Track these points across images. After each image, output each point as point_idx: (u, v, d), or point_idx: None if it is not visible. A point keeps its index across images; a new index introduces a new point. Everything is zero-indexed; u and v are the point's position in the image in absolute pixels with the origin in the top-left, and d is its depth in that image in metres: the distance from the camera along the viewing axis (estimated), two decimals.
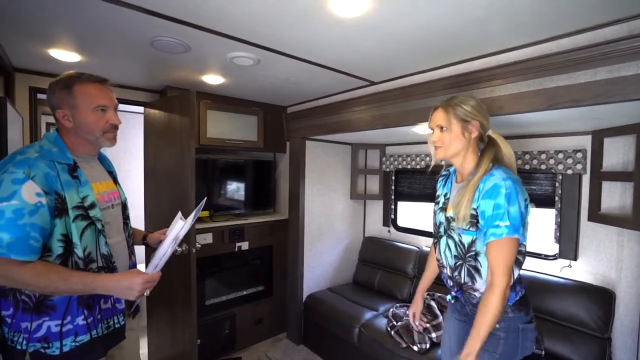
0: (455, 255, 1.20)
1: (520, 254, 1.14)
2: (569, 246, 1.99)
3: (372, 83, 2.18)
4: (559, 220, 2.03)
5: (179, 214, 1.33)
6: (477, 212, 1.11)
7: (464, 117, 1.20)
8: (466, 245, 1.17)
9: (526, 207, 1.09)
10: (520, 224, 1.06)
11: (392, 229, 3.12)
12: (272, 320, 3.00)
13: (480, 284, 1.16)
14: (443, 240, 1.27)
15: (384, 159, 3.10)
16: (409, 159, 2.87)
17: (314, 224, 2.97)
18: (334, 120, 2.51)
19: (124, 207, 1.32)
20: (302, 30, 1.40)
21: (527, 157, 2.12)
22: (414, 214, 3.26)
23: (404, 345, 1.99)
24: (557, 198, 2.05)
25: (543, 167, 2.05)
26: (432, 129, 1.29)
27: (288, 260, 2.99)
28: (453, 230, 1.20)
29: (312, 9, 1.21)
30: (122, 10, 1.25)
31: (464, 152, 1.22)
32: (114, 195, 1.26)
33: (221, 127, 2.57)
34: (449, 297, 1.35)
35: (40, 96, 2.18)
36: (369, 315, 2.42)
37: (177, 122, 2.04)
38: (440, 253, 1.30)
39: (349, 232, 3.29)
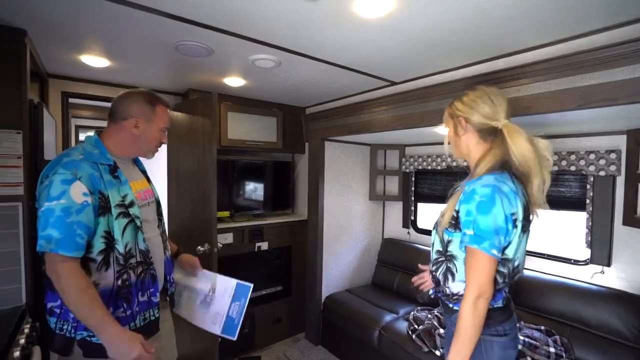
0: (438, 251, 1.14)
1: (498, 273, 1.01)
2: (601, 251, 1.90)
3: (393, 83, 2.15)
4: (590, 224, 1.94)
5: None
6: (457, 216, 1.05)
7: (454, 114, 1.13)
8: (446, 243, 1.10)
9: (508, 221, 0.97)
10: (490, 238, 0.95)
11: (411, 230, 3.07)
12: (291, 320, 3.02)
13: (452, 286, 1.09)
14: (433, 234, 1.21)
15: (403, 159, 3.06)
16: (429, 159, 2.82)
17: (332, 224, 2.96)
18: (353, 121, 2.50)
19: (158, 204, 1.39)
20: (325, 32, 1.40)
21: (555, 157, 2.04)
22: (435, 216, 3.20)
23: (426, 349, 1.96)
24: (588, 201, 1.96)
25: (573, 168, 1.96)
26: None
27: (307, 261, 3.00)
28: (439, 225, 1.14)
29: (336, 11, 1.22)
30: (150, 17, 1.29)
31: (466, 151, 1.14)
32: (148, 193, 1.34)
33: (241, 128, 2.60)
34: (430, 290, 1.29)
35: (72, 100, 2.28)
36: (388, 317, 2.39)
37: (199, 124, 2.09)
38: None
39: (368, 233, 3.26)
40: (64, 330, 1.10)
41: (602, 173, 1.85)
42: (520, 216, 1.00)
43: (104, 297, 1.10)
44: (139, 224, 1.19)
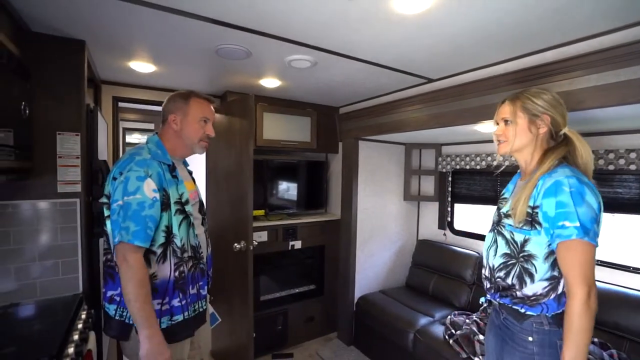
0: (505, 254, 1.10)
1: None
2: None
3: (430, 80, 2.09)
4: None
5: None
6: (534, 212, 1.02)
7: (532, 110, 1.10)
8: (519, 244, 1.06)
9: (599, 210, 0.96)
10: (593, 228, 0.93)
11: (448, 232, 2.97)
12: (323, 319, 3.03)
13: (527, 290, 1.05)
14: (489, 237, 1.18)
15: (439, 159, 2.96)
16: (467, 158, 2.71)
17: (366, 225, 2.93)
18: (387, 120, 2.46)
19: (202, 204, 1.48)
20: (362, 31, 1.39)
21: (612, 156, 1.87)
22: (473, 217, 3.07)
23: (464, 355, 1.88)
24: None
25: (632, 167, 1.80)
26: (497, 122, 1.21)
27: (340, 261, 3.00)
28: (504, 226, 1.12)
29: (374, 9, 1.20)
30: (192, 22, 1.35)
31: (530, 148, 1.12)
32: (196, 193, 1.42)
33: (277, 128, 2.65)
34: (482, 299, 1.25)
35: (121, 105, 2.45)
36: (424, 321, 2.33)
37: (237, 125, 2.15)
38: (484, 250, 1.23)
39: (402, 234, 3.20)
40: (124, 317, 1.18)
41: None
42: (602, 204, 0.99)
43: (161, 288, 1.19)
44: (192, 220, 1.28)
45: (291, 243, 2.77)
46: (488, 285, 1.19)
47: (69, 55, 1.53)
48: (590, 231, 0.93)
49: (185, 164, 1.47)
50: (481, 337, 1.87)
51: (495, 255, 1.14)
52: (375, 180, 2.98)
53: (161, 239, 1.18)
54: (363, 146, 2.86)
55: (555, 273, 1.02)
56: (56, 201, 1.53)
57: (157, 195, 1.16)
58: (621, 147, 1.85)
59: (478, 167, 2.63)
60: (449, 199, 2.97)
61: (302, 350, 2.81)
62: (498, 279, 1.12)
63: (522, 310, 1.08)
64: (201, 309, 1.34)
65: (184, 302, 1.24)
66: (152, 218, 1.13)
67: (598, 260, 1.98)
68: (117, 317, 1.19)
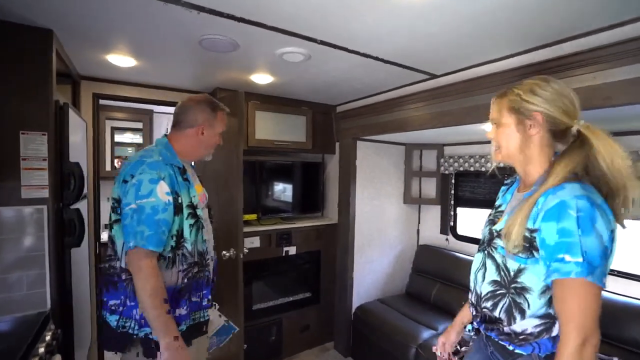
0: (494, 281, 0.93)
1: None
2: None
3: (433, 76, 1.95)
4: None
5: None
6: (532, 236, 0.83)
7: (520, 108, 0.89)
8: (512, 273, 0.89)
9: (611, 240, 0.77)
10: (600, 264, 0.75)
11: (450, 237, 2.82)
12: (319, 328, 2.88)
13: (516, 327, 0.88)
14: (478, 258, 1.01)
15: (442, 160, 2.82)
16: (472, 160, 2.57)
17: (364, 229, 2.79)
18: (388, 119, 2.31)
19: (209, 207, 1.44)
20: (362, 19, 1.25)
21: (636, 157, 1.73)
22: (477, 222, 2.93)
23: None
24: None
25: None
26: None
27: (336, 267, 2.85)
28: (495, 248, 0.94)
29: None
30: (172, 8, 1.20)
31: (525, 155, 0.91)
32: (204, 196, 1.38)
33: (270, 128, 2.50)
34: (469, 327, 1.14)
35: (102, 102, 2.29)
36: (426, 334, 2.18)
37: (227, 124, 2.00)
38: (471, 272, 1.04)
39: (402, 239, 3.05)
40: (127, 328, 1.12)
41: None
42: (616, 234, 0.79)
43: (169, 292, 1.13)
44: (202, 225, 1.24)
45: (285, 249, 2.62)
46: (474, 313, 1.02)
47: (34, 45, 1.37)
48: (596, 269, 0.75)
49: (193, 167, 1.42)
50: None
51: (483, 281, 0.97)
52: (374, 183, 2.83)
53: (172, 243, 1.14)
54: (361, 146, 2.71)
55: (552, 311, 0.85)
56: (20, 208, 1.37)
57: (170, 199, 1.12)
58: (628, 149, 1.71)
59: (483, 168, 2.49)
60: (452, 202, 2.82)
61: None
62: (485, 309, 0.95)
63: (510, 348, 0.93)
64: (202, 319, 1.26)
65: (187, 310, 1.19)
66: (165, 222, 1.10)
67: (614, 271, 1.84)
68: (119, 329, 1.11)
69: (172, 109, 3.16)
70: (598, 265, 0.75)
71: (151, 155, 1.17)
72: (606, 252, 0.76)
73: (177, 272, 1.16)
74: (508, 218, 0.89)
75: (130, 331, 1.12)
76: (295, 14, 1.23)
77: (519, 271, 0.87)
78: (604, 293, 1.85)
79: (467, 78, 1.77)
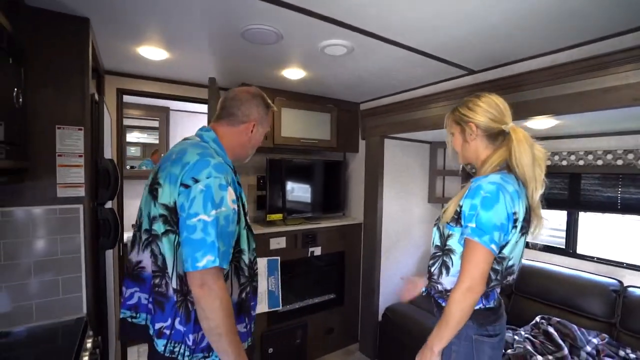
0: (436, 245, 1.15)
1: (492, 270, 1.02)
2: None
3: (471, 72, 1.89)
4: None
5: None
6: (459, 210, 1.06)
7: (459, 121, 1.14)
8: (445, 238, 1.12)
9: (510, 219, 0.99)
10: (490, 233, 0.97)
11: None
12: (343, 331, 2.81)
13: (444, 281, 1.11)
14: (433, 230, 1.22)
15: None
16: None
17: (390, 229, 2.72)
18: (419, 116, 2.25)
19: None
20: (419, 6, 1.18)
21: (631, 156, 1.68)
22: None
23: None
24: None
25: None
26: None
27: (361, 268, 2.78)
28: (440, 220, 1.16)
29: None
30: None
31: (474, 155, 1.14)
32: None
33: (295, 125, 2.43)
34: (423, 289, 1.32)
35: (126, 98, 2.21)
36: None
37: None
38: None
39: (426, 239, 2.99)
40: (175, 353, 0.97)
41: None
42: (520, 217, 1.02)
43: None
44: (252, 232, 1.12)
45: (311, 249, 2.54)
46: (428, 275, 1.23)
47: (72, 35, 1.30)
48: (485, 235, 0.97)
49: None
50: (540, 357, 1.67)
51: (433, 246, 1.19)
52: (400, 181, 2.77)
53: (230, 256, 0.98)
54: (388, 145, 2.64)
55: None
56: (55, 207, 1.29)
57: (236, 207, 0.97)
58: None
59: None
60: None
61: None
62: (428, 267, 1.18)
63: (444, 304, 1.11)
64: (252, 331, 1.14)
65: (248, 327, 1.08)
66: (233, 234, 0.96)
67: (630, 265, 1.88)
68: (167, 354, 0.97)
69: (190, 106, 3.08)
70: (487, 233, 0.97)
71: (212, 155, 0.98)
72: (499, 227, 0.97)
73: (233, 286, 1.02)
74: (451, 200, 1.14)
75: (179, 357, 0.97)
76: (348, 2, 1.16)
77: (449, 236, 1.09)
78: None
79: (510, 74, 1.72)
